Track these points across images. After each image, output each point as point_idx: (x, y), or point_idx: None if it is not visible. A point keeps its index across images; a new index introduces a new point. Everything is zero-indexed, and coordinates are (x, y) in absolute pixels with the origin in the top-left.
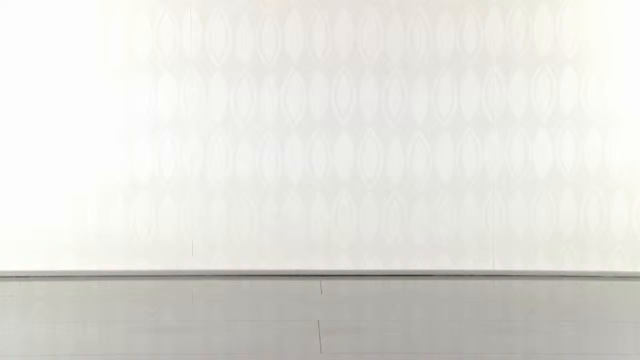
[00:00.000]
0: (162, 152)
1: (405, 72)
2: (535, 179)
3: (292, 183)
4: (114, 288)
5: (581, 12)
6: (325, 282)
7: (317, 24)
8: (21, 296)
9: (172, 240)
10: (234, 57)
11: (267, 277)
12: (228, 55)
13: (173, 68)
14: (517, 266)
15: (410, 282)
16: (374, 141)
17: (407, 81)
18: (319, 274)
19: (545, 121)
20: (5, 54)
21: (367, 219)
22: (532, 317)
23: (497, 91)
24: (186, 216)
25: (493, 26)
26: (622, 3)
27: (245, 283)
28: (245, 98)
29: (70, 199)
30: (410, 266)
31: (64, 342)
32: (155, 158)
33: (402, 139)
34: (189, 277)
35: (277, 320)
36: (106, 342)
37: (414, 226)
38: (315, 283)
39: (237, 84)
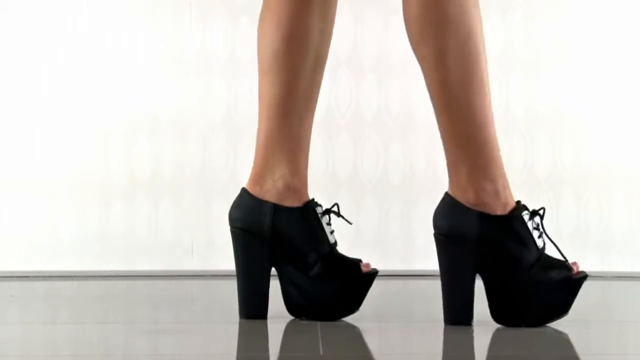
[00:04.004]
0: (162, 152)
1: (406, 71)
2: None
3: None
4: (114, 288)
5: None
6: None
7: None
8: (21, 296)
9: (172, 240)
10: (234, 57)
11: None
12: (228, 55)
13: (173, 67)
14: None
15: (411, 282)
16: (374, 141)
17: (407, 81)
18: None
19: (544, 123)
20: (5, 53)
21: (367, 218)
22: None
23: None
24: (186, 216)
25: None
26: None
27: None
28: (245, 98)
29: (70, 199)
30: (410, 266)
31: (64, 342)
32: (155, 158)
33: (402, 138)
34: (189, 277)
35: (275, 321)
36: (106, 342)
37: (414, 226)
38: None
39: (237, 84)
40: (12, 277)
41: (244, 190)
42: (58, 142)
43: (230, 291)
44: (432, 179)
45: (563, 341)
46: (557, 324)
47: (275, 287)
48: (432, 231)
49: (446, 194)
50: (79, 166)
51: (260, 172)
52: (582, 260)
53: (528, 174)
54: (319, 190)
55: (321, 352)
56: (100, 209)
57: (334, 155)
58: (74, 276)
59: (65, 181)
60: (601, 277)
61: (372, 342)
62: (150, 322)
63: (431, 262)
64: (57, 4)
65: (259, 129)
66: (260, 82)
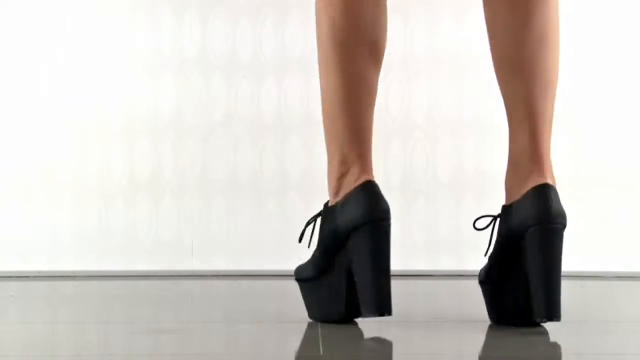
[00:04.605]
0: (162, 152)
1: (406, 71)
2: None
3: (292, 183)
4: (114, 288)
5: None
6: None
7: None
8: (21, 296)
9: (172, 240)
10: (234, 57)
11: (267, 277)
12: (228, 55)
13: (173, 68)
14: None
15: (411, 282)
16: (374, 141)
17: (407, 81)
18: None
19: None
20: (4, 53)
21: None
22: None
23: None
24: (186, 216)
25: None
26: None
27: (245, 283)
28: (245, 98)
29: (70, 199)
30: (410, 266)
31: (64, 342)
32: (155, 158)
33: (402, 138)
34: (189, 277)
35: (275, 321)
36: (106, 342)
37: (414, 226)
38: None
39: (237, 84)
40: (12, 277)
41: (374, 182)
42: (58, 142)
43: (230, 291)
44: (432, 179)
45: (562, 341)
46: (557, 324)
47: (276, 288)
48: (432, 231)
49: (549, 184)
50: (79, 166)
51: (368, 165)
52: (582, 260)
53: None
54: (319, 190)
55: (321, 352)
56: (100, 209)
57: None
58: (74, 276)
59: (65, 181)
60: (601, 277)
61: (372, 342)
62: (150, 322)
63: (431, 262)
64: (57, 4)
65: (343, 122)
66: (344, 74)
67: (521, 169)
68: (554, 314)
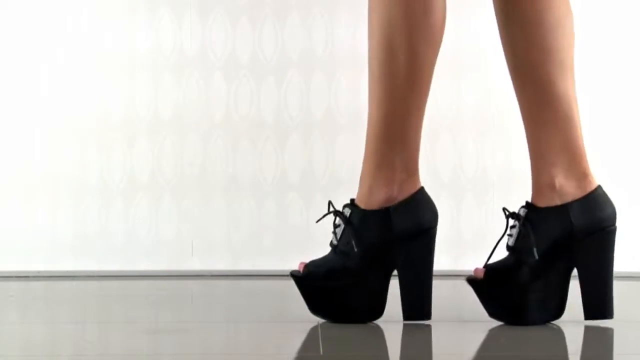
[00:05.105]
0: (162, 152)
1: None
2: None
3: (292, 183)
4: (114, 288)
5: None
6: None
7: (316, 24)
8: (21, 296)
9: (172, 240)
10: (234, 57)
11: (267, 277)
12: (228, 55)
13: (173, 68)
14: None
15: None
16: None
17: None
18: None
19: None
20: (5, 53)
21: None
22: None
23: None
24: (186, 216)
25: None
26: None
27: (245, 283)
28: (245, 98)
29: (69, 199)
30: None
31: (64, 342)
32: (155, 158)
33: None
34: (189, 277)
35: (275, 321)
36: (106, 342)
37: None
38: None
39: (237, 83)
40: (12, 277)
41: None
42: (58, 142)
43: (230, 291)
44: (432, 178)
45: (564, 341)
46: (557, 324)
47: (276, 288)
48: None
49: (599, 186)
50: (78, 166)
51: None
52: None
53: (529, 173)
54: (319, 190)
55: (321, 352)
56: (100, 209)
57: (334, 155)
58: (74, 276)
59: (65, 181)
60: None
61: (372, 342)
62: (150, 322)
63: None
64: (57, 4)
65: (415, 127)
66: (422, 78)
67: (566, 168)
68: (609, 312)
